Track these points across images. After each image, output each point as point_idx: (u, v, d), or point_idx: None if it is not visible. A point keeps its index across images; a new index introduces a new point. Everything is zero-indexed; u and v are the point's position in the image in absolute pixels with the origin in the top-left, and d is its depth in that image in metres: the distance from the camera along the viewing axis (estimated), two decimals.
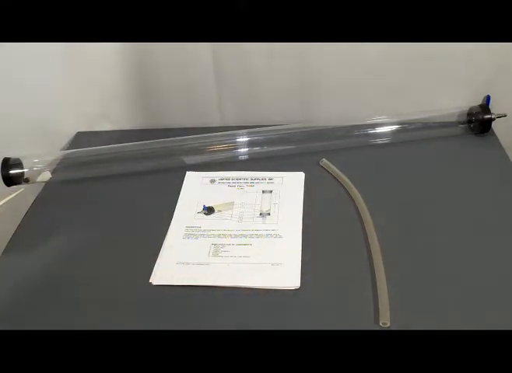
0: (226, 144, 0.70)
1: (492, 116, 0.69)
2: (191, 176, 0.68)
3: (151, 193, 0.66)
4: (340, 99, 0.75)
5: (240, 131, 0.70)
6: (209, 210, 0.62)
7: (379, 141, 0.71)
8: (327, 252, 0.56)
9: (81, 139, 0.78)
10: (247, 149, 0.70)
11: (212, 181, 0.67)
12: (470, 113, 0.71)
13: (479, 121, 0.70)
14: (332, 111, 0.75)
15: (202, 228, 0.60)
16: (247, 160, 0.70)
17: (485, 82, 0.72)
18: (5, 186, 0.64)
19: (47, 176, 0.67)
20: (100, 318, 0.51)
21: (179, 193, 0.65)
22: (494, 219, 0.59)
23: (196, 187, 0.66)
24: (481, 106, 0.70)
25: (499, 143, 0.70)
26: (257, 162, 0.69)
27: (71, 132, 0.79)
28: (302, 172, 0.67)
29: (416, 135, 0.71)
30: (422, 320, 0.48)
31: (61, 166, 0.68)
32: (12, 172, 0.64)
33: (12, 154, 0.66)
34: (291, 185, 0.65)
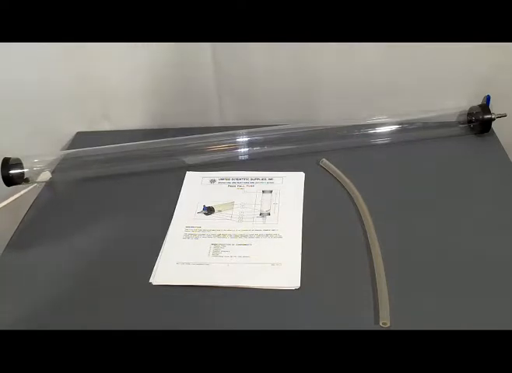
0: (226, 144, 0.70)
1: (492, 116, 0.69)
2: (191, 176, 0.68)
3: (151, 193, 0.66)
4: (340, 99, 0.75)
5: (240, 131, 0.70)
6: (209, 210, 0.62)
7: (379, 141, 0.71)
8: (328, 253, 0.56)
9: (81, 139, 0.78)
10: (247, 149, 0.70)
11: (212, 181, 0.67)
12: (470, 113, 0.71)
13: (479, 121, 0.70)
14: (332, 111, 0.75)
15: (202, 228, 0.60)
16: (247, 160, 0.70)
17: (485, 82, 0.72)
18: (5, 186, 0.64)
19: (47, 176, 0.67)
20: (100, 319, 0.51)
21: (179, 193, 0.65)
22: (494, 219, 0.59)
23: (196, 187, 0.66)
24: (481, 106, 0.70)
25: (499, 143, 0.70)
26: (257, 162, 0.69)
27: (71, 132, 0.79)
28: (302, 172, 0.67)
29: (416, 135, 0.71)
30: (422, 320, 0.48)
31: (61, 166, 0.68)
32: (12, 172, 0.64)
33: (12, 154, 0.66)
34: (291, 185, 0.65)
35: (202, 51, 0.70)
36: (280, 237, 0.58)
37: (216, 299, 0.52)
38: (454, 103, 0.72)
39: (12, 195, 0.64)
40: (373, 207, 0.59)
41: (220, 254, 0.56)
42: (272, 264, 0.55)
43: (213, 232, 0.59)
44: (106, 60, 0.72)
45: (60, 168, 0.68)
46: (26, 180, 0.66)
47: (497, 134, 0.71)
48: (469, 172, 0.66)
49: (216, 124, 0.78)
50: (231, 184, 0.66)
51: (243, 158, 0.71)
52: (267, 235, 0.59)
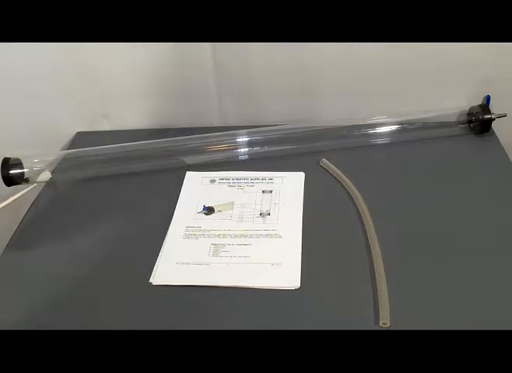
0: (226, 144, 0.70)
1: (492, 116, 0.69)
2: (191, 176, 0.68)
3: (151, 193, 0.66)
4: (340, 99, 0.75)
5: (240, 131, 0.70)
6: (209, 210, 0.62)
7: (379, 141, 0.71)
8: (328, 253, 0.56)
9: (81, 139, 0.78)
10: (247, 149, 0.70)
11: (212, 181, 0.67)
12: (470, 113, 0.71)
13: (479, 121, 0.70)
14: (332, 111, 0.75)
15: (202, 228, 0.60)
16: (247, 160, 0.70)
17: (485, 82, 0.72)
18: (5, 186, 0.64)
19: (47, 176, 0.67)
20: (100, 319, 0.51)
21: (179, 193, 0.65)
22: (494, 219, 0.59)
23: (196, 187, 0.66)
24: (481, 106, 0.70)
25: (499, 143, 0.70)
26: (257, 162, 0.69)
27: (71, 132, 0.79)
28: (302, 172, 0.67)
29: (416, 135, 0.71)
30: (422, 320, 0.48)
31: (61, 166, 0.68)
32: (12, 172, 0.64)
33: (12, 154, 0.66)
34: (291, 185, 0.65)
35: (202, 51, 0.70)
36: (280, 237, 0.58)
37: (216, 299, 0.52)
38: (454, 103, 0.72)
39: (12, 195, 0.64)
40: (373, 207, 0.59)
41: (220, 254, 0.56)
42: (272, 264, 0.55)
43: (213, 232, 0.59)
44: (106, 60, 0.72)
45: (60, 168, 0.68)
46: (26, 180, 0.66)
47: (497, 134, 0.71)
48: (469, 172, 0.66)
49: (216, 124, 0.78)
50: (231, 184, 0.66)
51: (243, 158, 0.71)
52: (267, 235, 0.59)
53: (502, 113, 0.69)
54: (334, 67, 0.72)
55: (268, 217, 0.61)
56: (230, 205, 0.63)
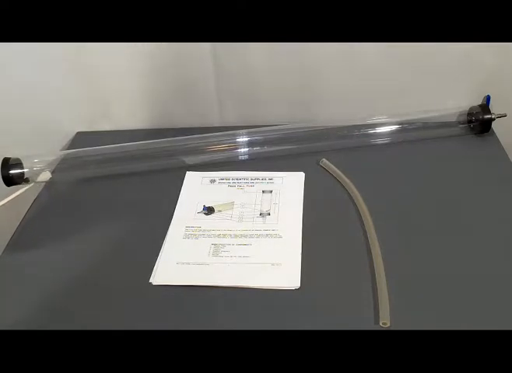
0: (226, 144, 0.70)
1: (492, 116, 0.69)
2: (191, 176, 0.68)
3: (151, 193, 0.66)
4: (340, 99, 0.74)
5: (240, 131, 0.70)
6: (209, 210, 0.62)
7: (379, 141, 0.71)
8: (327, 252, 0.56)
9: (81, 139, 0.78)
10: (247, 149, 0.70)
11: (212, 181, 0.67)
12: (470, 113, 0.71)
13: (479, 121, 0.70)
14: (332, 111, 0.75)
15: (202, 228, 0.60)
16: (247, 160, 0.70)
17: (485, 82, 0.72)
18: (5, 186, 0.64)
19: (47, 176, 0.67)
20: (100, 319, 0.51)
21: (179, 193, 0.65)
22: (494, 219, 0.59)
23: (196, 187, 0.66)
24: (481, 106, 0.70)
25: (499, 143, 0.70)
26: (257, 162, 0.69)
27: (71, 132, 0.79)
28: (302, 172, 0.67)
29: (416, 135, 0.71)
30: (422, 320, 0.48)
31: (61, 166, 0.68)
32: (12, 172, 0.64)
33: (12, 154, 0.66)
34: (291, 185, 0.65)
35: (202, 51, 0.70)
36: (280, 237, 0.58)
37: (216, 299, 0.52)
38: (454, 103, 0.72)
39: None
40: (373, 207, 0.59)
41: (220, 254, 0.56)
42: (272, 264, 0.55)
43: (213, 232, 0.59)
44: (106, 60, 0.72)
45: (60, 168, 0.68)
46: (26, 180, 0.66)
47: (497, 134, 0.71)
48: (469, 172, 0.66)
49: (216, 124, 0.78)
50: (231, 184, 0.66)
51: (243, 158, 0.71)
52: (267, 235, 0.59)
53: (502, 113, 0.69)
54: (334, 67, 0.72)
55: (268, 217, 0.61)
56: (230, 205, 0.63)
